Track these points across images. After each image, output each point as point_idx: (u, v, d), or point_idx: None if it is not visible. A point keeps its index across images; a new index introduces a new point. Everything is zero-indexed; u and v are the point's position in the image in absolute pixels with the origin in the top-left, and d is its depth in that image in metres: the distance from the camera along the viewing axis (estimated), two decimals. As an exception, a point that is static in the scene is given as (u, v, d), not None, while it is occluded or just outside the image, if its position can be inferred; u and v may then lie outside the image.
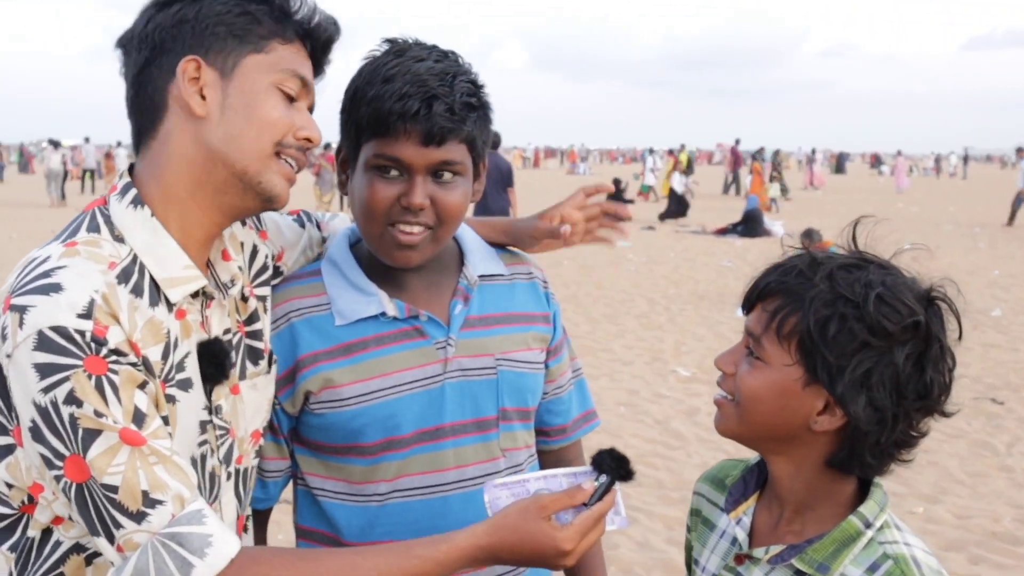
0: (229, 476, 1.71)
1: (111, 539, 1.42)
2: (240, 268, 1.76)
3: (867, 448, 1.47)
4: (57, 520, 1.52)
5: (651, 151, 35.80)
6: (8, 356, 1.41)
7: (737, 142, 38.26)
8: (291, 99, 1.63)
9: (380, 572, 1.49)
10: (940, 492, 6.19)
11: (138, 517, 1.40)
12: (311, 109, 1.70)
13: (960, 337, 1.50)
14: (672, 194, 26.23)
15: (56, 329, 1.39)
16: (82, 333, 1.40)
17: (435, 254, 1.86)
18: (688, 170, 38.79)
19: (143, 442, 1.42)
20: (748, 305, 1.57)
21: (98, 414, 1.39)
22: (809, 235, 12.42)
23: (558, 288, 13.89)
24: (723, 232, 22.22)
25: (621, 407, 7.94)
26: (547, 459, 2.10)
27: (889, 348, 1.43)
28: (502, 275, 1.99)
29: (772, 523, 1.61)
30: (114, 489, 1.40)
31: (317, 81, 1.70)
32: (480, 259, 1.96)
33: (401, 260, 1.82)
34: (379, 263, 1.87)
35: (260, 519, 1.99)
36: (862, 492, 1.55)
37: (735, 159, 37.34)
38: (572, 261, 16.66)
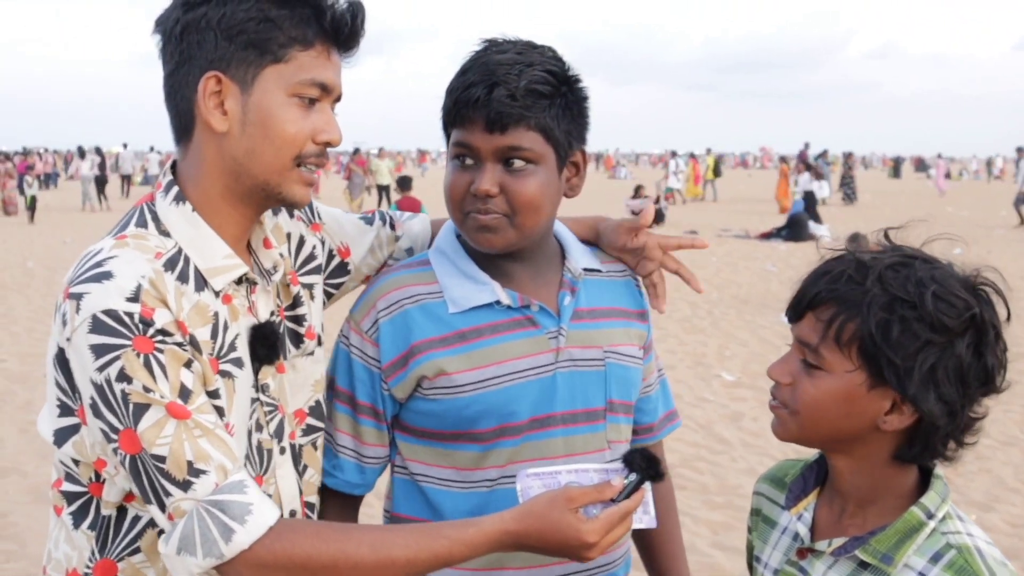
0: (283, 451, 1.78)
1: (162, 507, 1.52)
2: (282, 255, 1.83)
3: (939, 440, 1.49)
4: (128, 497, 1.64)
5: (674, 154, 35.70)
6: (68, 340, 1.54)
7: (806, 145, 37.48)
8: (312, 101, 1.66)
9: (409, 549, 1.54)
10: (993, 500, 6.07)
11: (184, 485, 1.50)
12: (338, 99, 1.72)
13: (1009, 318, 1.51)
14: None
15: (107, 312, 1.50)
16: (130, 315, 1.51)
17: (523, 241, 1.86)
18: (716, 174, 38.62)
19: (188, 415, 1.52)
20: (797, 314, 1.55)
21: (147, 389, 1.50)
22: (856, 240, 12.28)
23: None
24: (767, 236, 22.05)
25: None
26: None
27: (950, 342, 1.43)
28: (600, 271, 2.00)
29: (834, 518, 1.61)
30: (162, 459, 1.50)
31: (351, 56, 1.72)
32: (580, 254, 1.97)
33: (484, 243, 1.83)
34: (485, 255, 1.89)
35: (353, 504, 1.97)
36: (922, 484, 1.56)
37: (804, 164, 36.84)
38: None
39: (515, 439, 1.85)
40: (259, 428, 1.73)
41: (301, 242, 1.91)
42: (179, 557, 1.51)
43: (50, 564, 1.73)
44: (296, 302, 1.86)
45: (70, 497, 1.68)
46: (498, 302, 1.86)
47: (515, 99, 1.76)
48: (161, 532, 1.59)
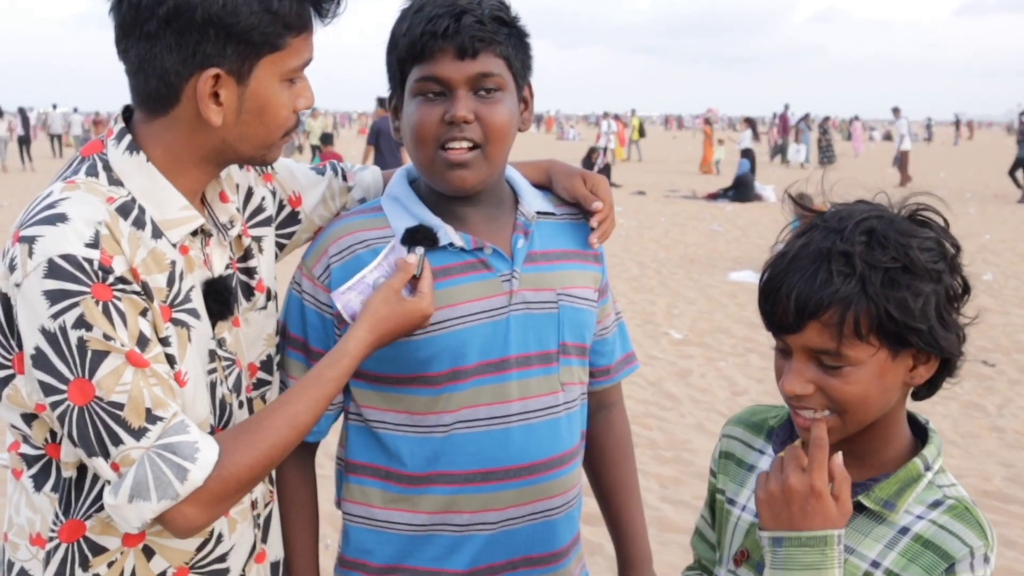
0: (241, 405, 1.79)
1: (107, 456, 1.50)
2: (238, 209, 1.82)
3: (951, 366, 1.55)
4: None
5: (605, 115, 35.86)
6: (17, 285, 1.48)
7: (786, 107, 37.05)
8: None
9: (311, 407, 1.66)
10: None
11: (139, 433, 1.49)
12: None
13: (948, 224, 1.55)
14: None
15: (65, 257, 1.47)
16: (90, 261, 1.48)
17: (490, 178, 1.88)
18: (640, 135, 38.76)
19: (147, 364, 1.51)
20: (797, 326, 1.49)
21: (107, 337, 1.48)
22: (803, 198, 12.43)
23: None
24: (714, 197, 22.21)
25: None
26: (589, 401, 2.10)
27: (940, 280, 1.48)
28: (554, 214, 2.01)
29: None
30: (119, 406, 1.48)
31: (328, 22, 1.70)
32: (533, 197, 1.98)
33: (456, 182, 1.83)
34: (440, 197, 1.90)
35: (308, 451, 1.98)
36: (917, 439, 1.61)
37: (783, 125, 36.61)
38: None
39: (464, 383, 1.86)
40: (220, 382, 1.73)
41: (250, 193, 1.89)
42: (131, 505, 1.49)
43: (12, 530, 1.69)
44: (247, 254, 1.85)
45: (29, 460, 1.65)
46: (451, 244, 1.87)
47: (483, 24, 1.79)
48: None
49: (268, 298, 1.89)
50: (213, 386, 1.71)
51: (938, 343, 1.47)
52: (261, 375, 1.86)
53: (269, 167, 1.95)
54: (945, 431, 6.61)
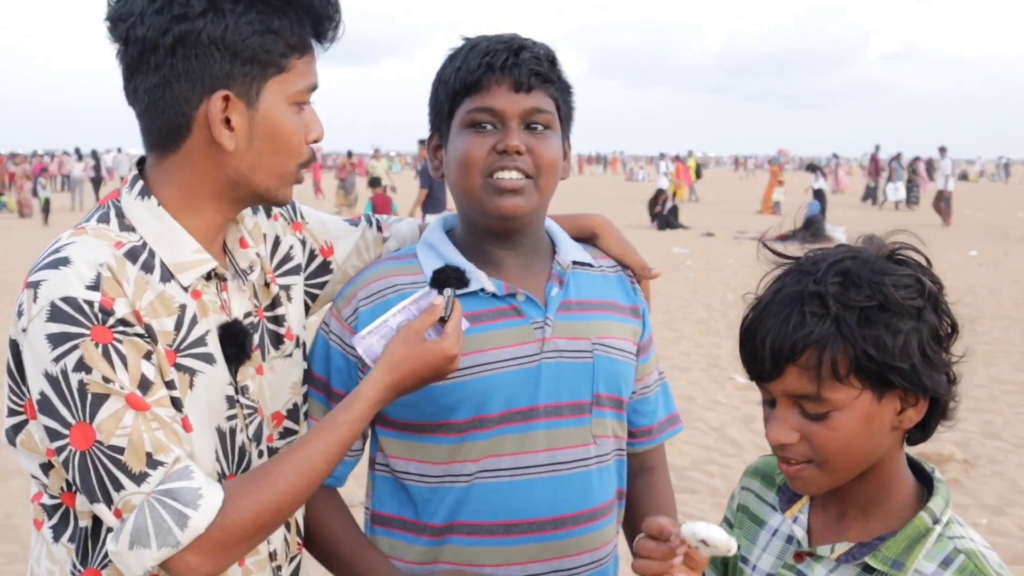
0: (261, 454, 1.77)
1: (110, 503, 1.48)
2: (258, 255, 1.82)
3: (942, 407, 1.51)
4: None
5: (662, 156, 35.83)
6: (24, 331, 1.50)
7: (877, 148, 36.75)
8: (303, 104, 1.68)
9: (324, 453, 1.61)
10: (1006, 504, 6.03)
11: (139, 478, 1.48)
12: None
13: (929, 264, 1.53)
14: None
15: (66, 300, 1.48)
16: (90, 304, 1.48)
17: (538, 212, 1.88)
18: (697, 176, 38.59)
19: (147, 407, 1.50)
20: (775, 373, 1.48)
21: (106, 380, 1.47)
22: (872, 241, 12.22)
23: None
24: (784, 238, 21.94)
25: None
26: (630, 463, 2.06)
27: (921, 317, 1.45)
28: (591, 265, 1.99)
29: (831, 521, 1.59)
30: (120, 451, 1.47)
31: (327, 47, 1.72)
32: (570, 247, 1.97)
33: (508, 209, 1.83)
34: (476, 241, 1.90)
35: (332, 495, 1.94)
36: (923, 488, 1.56)
37: (875, 166, 36.24)
38: (629, 267, 16.54)
39: (487, 432, 1.82)
40: (241, 429, 1.72)
41: (277, 242, 1.90)
42: (132, 552, 1.47)
43: None
44: (275, 302, 1.85)
45: (48, 511, 1.64)
46: (483, 290, 1.85)
47: (540, 61, 1.82)
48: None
49: (296, 346, 1.87)
50: (232, 433, 1.69)
51: (923, 382, 1.43)
52: (288, 424, 1.84)
53: (299, 216, 1.96)
54: (1019, 481, 6.41)
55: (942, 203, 26.06)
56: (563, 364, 1.86)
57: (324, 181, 36.89)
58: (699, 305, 13.05)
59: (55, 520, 1.63)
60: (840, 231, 21.93)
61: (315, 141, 1.70)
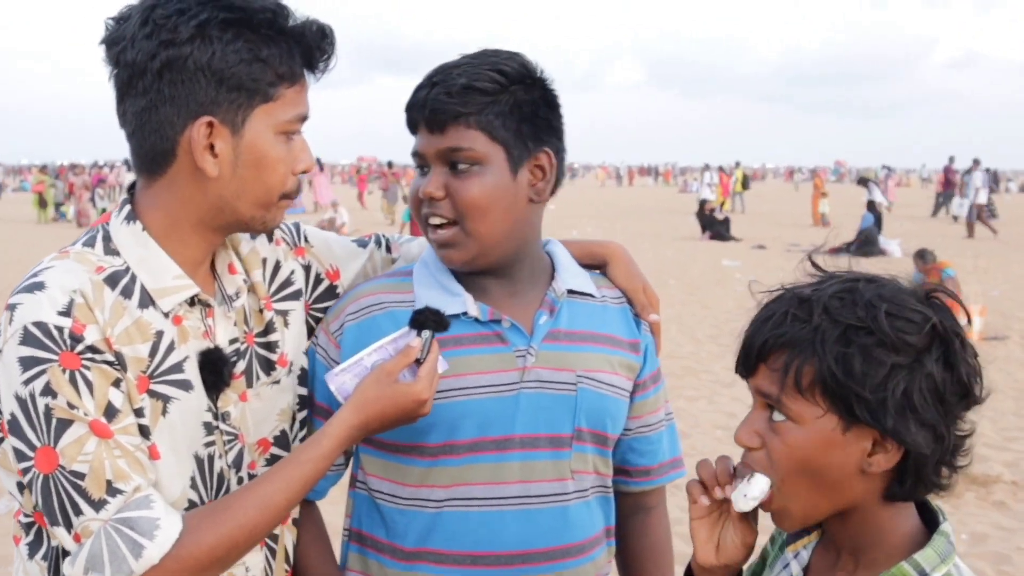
0: (240, 481, 1.76)
1: (69, 527, 1.50)
2: (245, 281, 1.82)
3: (930, 470, 1.36)
4: None
5: (707, 167, 35.68)
6: (0, 352, 1.53)
7: (951, 160, 35.44)
8: (293, 134, 1.67)
9: (284, 491, 1.60)
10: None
11: (98, 505, 1.49)
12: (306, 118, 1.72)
13: (969, 322, 1.39)
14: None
15: (37, 324, 1.50)
16: (60, 329, 1.50)
17: (489, 253, 1.80)
18: (744, 187, 38.28)
19: (111, 435, 1.51)
20: (748, 368, 1.44)
21: (71, 406, 1.49)
22: (922, 256, 12.03)
23: (663, 308, 13.60)
24: (837, 251, 21.68)
25: (718, 430, 7.77)
26: (625, 500, 2.01)
27: (918, 360, 1.32)
28: (592, 295, 1.93)
29: (829, 562, 1.50)
30: (81, 476, 1.49)
31: (319, 77, 1.72)
32: (571, 275, 1.92)
33: (445, 260, 1.82)
34: (465, 271, 1.86)
35: (309, 510, 1.94)
36: (929, 530, 1.43)
37: (947, 179, 35.19)
38: (678, 281, 16.48)
39: (458, 458, 1.78)
40: (220, 456, 1.72)
41: (277, 267, 1.89)
42: None
43: None
44: (269, 328, 1.84)
45: (25, 527, 1.66)
46: (465, 314, 1.81)
47: (451, 96, 1.73)
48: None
49: (287, 372, 1.86)
50: (211, 459, 1.69)
51: (891, 425, 1.31)
52: (275, 451, 1.83)
53: (303, 240, 1.95)
54: None
55: (978, 216, 25.88)
56: (544, 395, 1.81)
57: (367, 192, 37.23)
58: (747, 320, 12.88)
59: (31, 537, 1.65)
60: (895, 244, 21.63)
61: (303, 171, 1.70)
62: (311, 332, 1.94)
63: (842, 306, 1.35)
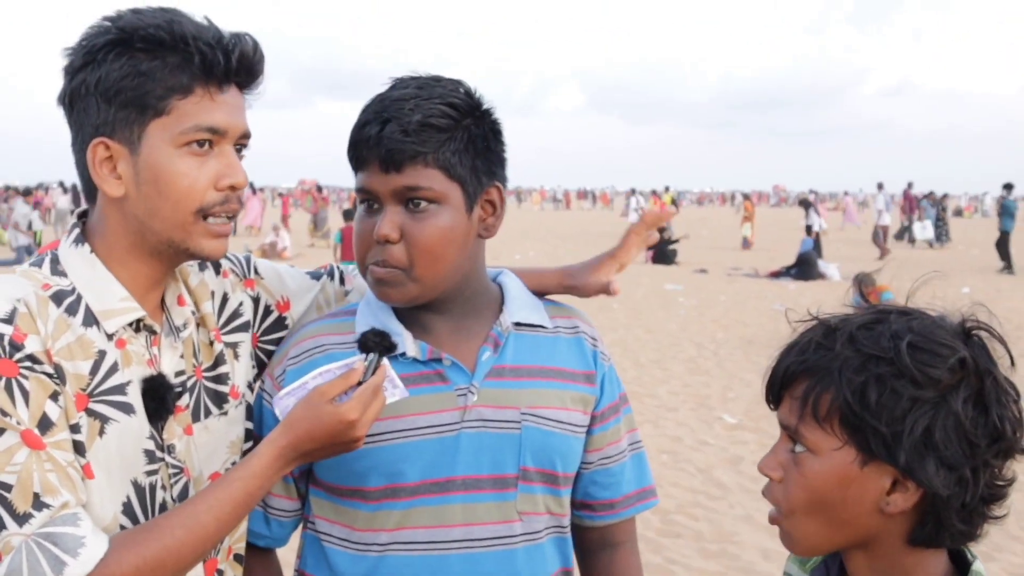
0: None
1: None
2: (193, 313, 1.78)
3: (954, 514, 1.28)
4: None
5: (634, 191, 36.14)
6: None
7: (910, 185, 35.83)
8: (207, 145, 1.61)
9: (213, 509, 1.54)
10: (994, 549, 5.92)
11: (22, 519, 1.44)
12: (245, 137, 1.67)
13: (1012, 363, 1.33)
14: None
15: None
16: (0, 336, 1.47)
17: (430, 292, 1.74)
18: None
19: (43, 447, 1.47)
20: (776, 397, 1.40)
21: (4, 413, 1.45)
22: (863, 280, 12.18)
23: (606, 332, 13.77)
24: (776, 275, 21.93)
25: (663, 455, 7.77)
26: (591, 536, 1.94)
27: (943, 397, 1.26)
28: (544, 327, 1.86)
29: None
30: (7, 487, 1.44)
31: (252, 90, 1.67)
32: (520, 307, 1.84)
33: (383, 297, 1.75)
34: (407, 308, 1.79)
35: (264, 558, 1.88)
36: (959, 571, 1.37)
37: (909, 203, 35.42)
38: (622, 305, 16.52)
39: (405, 501, 1.72)
40: (163, 487, 1.67)
41: (225, 299, 1.86)
42: None
43: None
44: (218, 361, 1.80)
45: None
46: (403, 354, 1.74)
47: (408, 134, 1.66)
48: None
49: (238, 404, 1.82)
50: (152, 489, 1.64)
51: (906, 462, 1.25)
52: None
53: (253, 272, 1.92)
54: (1009, 525, 6.30)
55: (877, 237, 27.52)
56: (486, 434, 1.74)
57: (292, 216, 37.14)
58: (689, 343, 12.97)
59: None
60: (834, 267, 21.92)
61: (231, 187, 1.63)
62: (260, 365, 1.90)
63: (867, 336, 1.30)
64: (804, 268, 21.54)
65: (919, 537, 1.32)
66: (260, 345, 1.91)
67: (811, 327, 1.38)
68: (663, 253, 24.77)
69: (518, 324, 1.82)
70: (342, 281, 2.03)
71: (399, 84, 1.73)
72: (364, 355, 1.65)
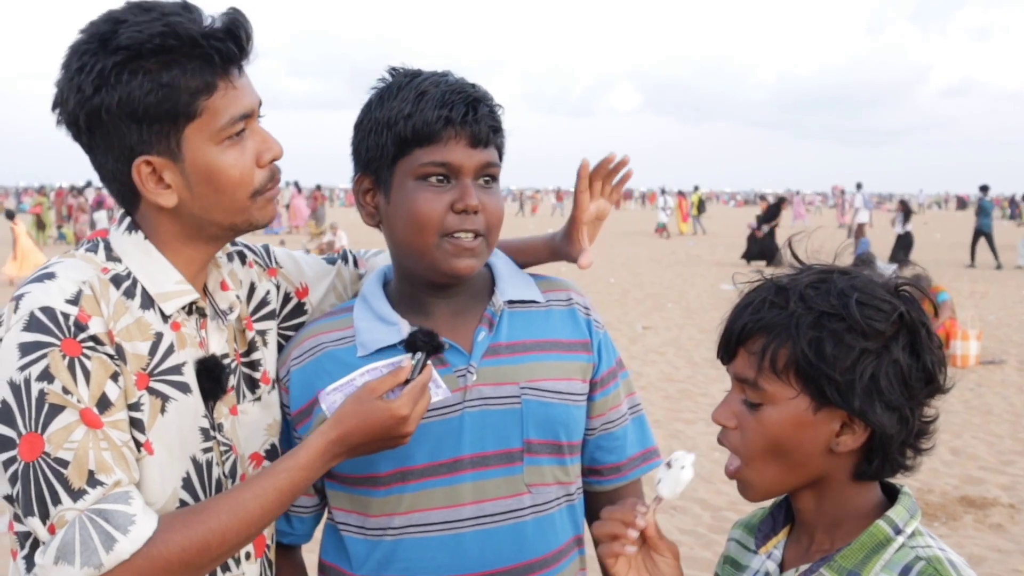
0: None
1: (45, 517, 1.49)
2: (237, 297, 1.86)
3: (895, 450, 1.47)
4: None
5: (663, 191, 35.95)
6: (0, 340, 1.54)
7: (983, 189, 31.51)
8: (241, 132, 1.67)
9: (259, 497, 1.60)
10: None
11: (78, 495, 1.49)
12: (261, 106, 1.72)
13: (937, 314, 1.50)
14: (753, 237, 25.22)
15: (44, 310, 1.53)
16: (66, 316, 1.53)
17: (483, 263, 1.84)
18: (700, 211, 38.62)
19: (100, 425, 1.52)
20: (729, 353, 1.53)
21: (65, 391, 1.50)
22: (865, 261, 12.14)
23: (661, 332, 13.79)
24: (833, 276, 21.74)
25: (716, 452, 7.77)
26: (600, 500, 1.99)
27: (885, 347, 1.43)
28: (537, 302, 1.93)
29: (801, 551, 1.58)
30: (64, 464, 1.49)
31: (252, 59, 1.69)
32: (511, 285, 1.91)
33: (463, 269, 1.80)
34: (411, 294, 1.86)
35: (288, 555, 1.96)
36: (889, 502, 1.54)
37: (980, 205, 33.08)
38: (676, 304, 16.52)
39: (415, 483, 1.79)
40: (218, 464, 1.75)
41: (252, 288, 1.93)
42: (56, 567, 1.47)
43: None
44: (251, 347, 1.88)
45: (22, 539, 1.65)
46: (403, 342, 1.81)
47: (494, 115, 1.80)
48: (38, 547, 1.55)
49: (271, 390, 1.90)
50: (209, 466, 1.72)
51: (858, 406, 1.41)
52: (267, 464, 1.83)
53: (274, 261, 1.99)
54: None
55: (860, 235, 26.98)
56: (488, 412, 1.81)
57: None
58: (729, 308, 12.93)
59: (26, 550, 1.63)
60: (892, 269, 21.68)
61: (272, 160, 1.70)
62: (280, 350, 1.97)
63: (816, 294, 1.45)
64: (862, 267, 21.35)
65: (865, 472, 1.49)
66: (280, 331, 1.97)
67: (760, 287, 1.53)
68: (765, 247, 24.09)
69: (511, 302, 1.89)
70: (356, 264, 2.09)
71: (428, 75, 1.80)
72: (411, 354, 1.72)
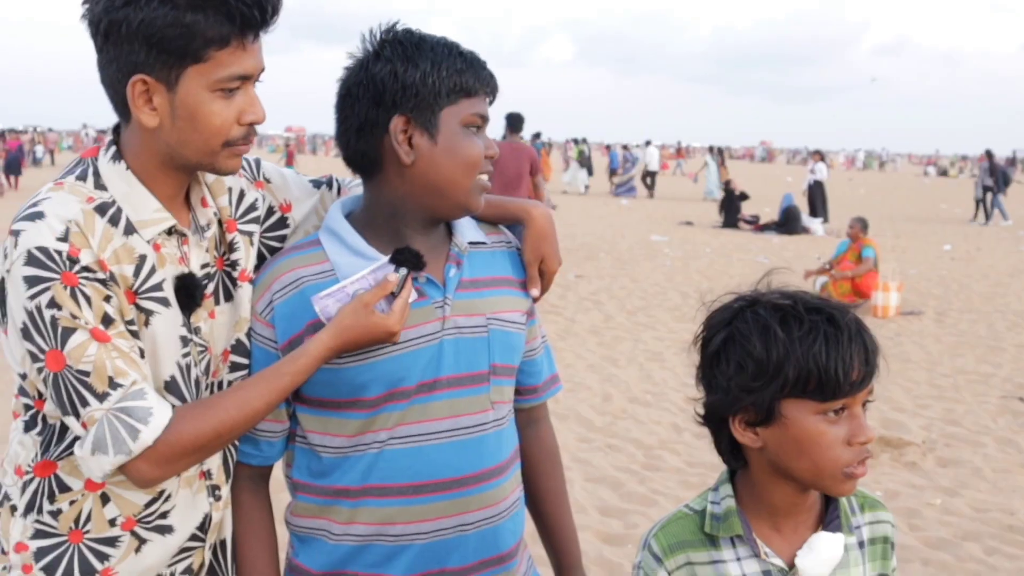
0: (208, 387, 2.01)
1: (78, 416, 1.76)
2: (215, 213, 2.03)
3: None
4: None
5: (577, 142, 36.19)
6: (7, 271, 1.76)
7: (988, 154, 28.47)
8: (234, 89, 1.82)
9: (263, 396, 1.87)
10: (959, 486, 6.25)
11: (102, 397, 1.74)
12: (262, 72, 1.86)
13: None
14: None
15: (40, 249, 1.73)
16: (59, 253, 1.74)
17: None
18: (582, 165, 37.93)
19: (109, 339, 1.76)
20: (863, 382, 1.71)
21: (73, 316, 1.73)
22: (861, 222, 12.78)
23: (593, 280, 14.05)
24: (761, 229, 22.22)
25: (648, 395, 8.08)
26: (521, 416, 2.24)
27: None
28: (484, 243, 2.14)
29: (775, 540, 1.79)
30: (87, 374, 1.74)
31: (271, 28, 1.84)
32: (467, 228, 2.11)
33: (481, 205, 2.06)
34: (391, 229, 2.02)
35: (260, 475, 2.10)
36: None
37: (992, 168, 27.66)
38: (608, 255, 16.78)
39: (404, 402, 1.98)
40: (195, 364, 1.95)
41: (242, 194, 2.09)
42: (93, 457, 1.75)
43: (6, 459, 1.96)
44: (231, 247, 2.04)
45: (24, 407, 1.90)
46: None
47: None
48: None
49: (245, 286, 2.05)
50: (188, 368, 1.93)
51: None
52: (235, 358, 2.03)
53: (261, 175, 2.14)
54: (977, 464, 6.64)
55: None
56: (462, 340, 2.02)
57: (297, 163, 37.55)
58: (674, 292, 13.24)
59: (27, 416, 1.90)
60: (817, 223, 22.23)
61: (252, 123, 1.86)
62: (260, 258, 2.11)
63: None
64: (788, 223, 21.84)
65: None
66: (263, 239, 2.13)
67: (829, 324, 1.71)
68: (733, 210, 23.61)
69: (471, 243, 2.10)
70: (339, 192, 2.24)
71: (431, 37, 2.00)
72: (391, 265, 1.93)
